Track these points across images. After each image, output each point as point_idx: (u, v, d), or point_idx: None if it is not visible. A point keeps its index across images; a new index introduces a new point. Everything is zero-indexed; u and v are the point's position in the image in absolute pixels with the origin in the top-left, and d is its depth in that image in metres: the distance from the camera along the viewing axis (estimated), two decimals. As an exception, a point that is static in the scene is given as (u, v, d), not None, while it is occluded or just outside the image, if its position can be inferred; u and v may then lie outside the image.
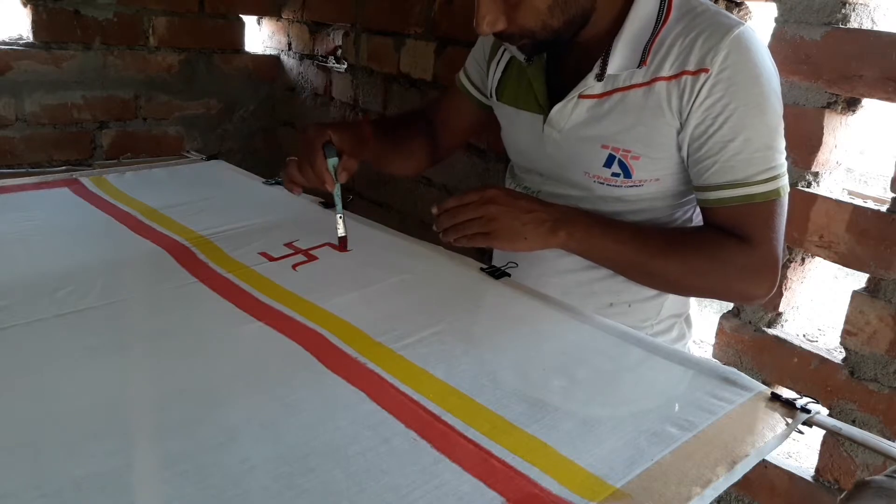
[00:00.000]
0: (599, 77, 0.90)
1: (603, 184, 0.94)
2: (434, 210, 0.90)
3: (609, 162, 0.92)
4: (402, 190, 1.93)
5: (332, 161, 0.97)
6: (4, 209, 1.11)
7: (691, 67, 0.85)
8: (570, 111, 0.94)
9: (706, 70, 0.84)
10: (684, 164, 0.91)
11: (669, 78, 0.87)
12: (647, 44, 0.88)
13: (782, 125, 0.89)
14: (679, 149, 0.89)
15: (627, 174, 0.92)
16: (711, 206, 0.89)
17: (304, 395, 0.64)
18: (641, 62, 0.88)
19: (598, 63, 0.90)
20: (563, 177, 0.98)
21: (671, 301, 1.00)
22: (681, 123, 0.87)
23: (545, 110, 0.96)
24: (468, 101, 1.17)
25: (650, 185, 0.93)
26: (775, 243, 0.88)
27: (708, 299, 1.00)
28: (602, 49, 0.90)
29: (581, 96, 0.92)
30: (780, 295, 1.11)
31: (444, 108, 1.23)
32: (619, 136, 0.91)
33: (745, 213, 0.87)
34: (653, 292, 0.98)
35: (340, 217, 0.97)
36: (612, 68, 0.89)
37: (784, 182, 0.87)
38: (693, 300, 1.06)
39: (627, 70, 0.89)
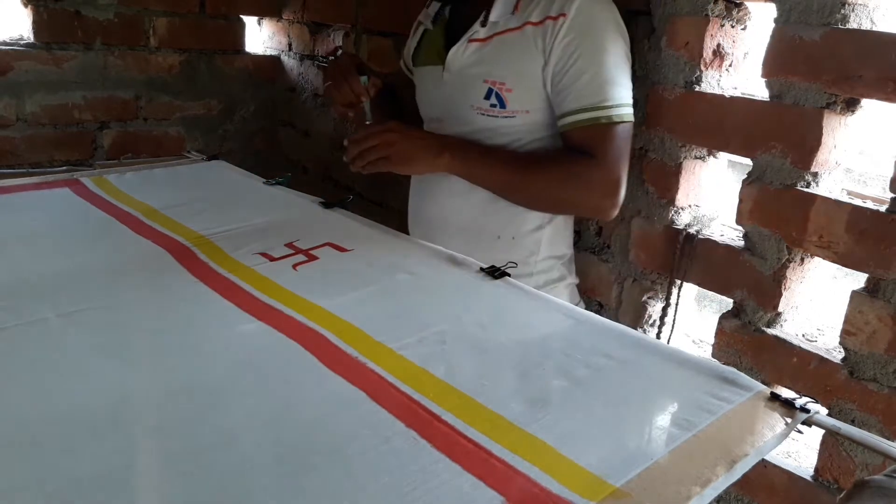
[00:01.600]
0: (483, 23, 1.12)
1: (484, 115, 1.12)
2: (345, 142, 1.08)
3: (488, 94, 1.11)
4: (403, 190, 1.93)
5: (363, 79, 1.16)
6: (5, 209, 1.11)
7: (553, 13, 1.06)
8: (462, 53, 1.15)
9: (564, 15, 1.05)
10: (549, 101, 1.10)
11: (537, 23, 1.07)
12: None
13: (626, 69, 1.09)
14: (545, 84, 1.09)
15: (502, 104, 1.11)
16: (567, 130, 1.09)
17: (305, 394, 0.64)
18: (514, 10, 1.10)
19: (484, 12, 1.12)
20: (455, 114, 1.17)
21: (548, 239, 1.18)
22: (545, 60, 1.07)
23: (444, 59, 1.17)
24: (410, 84, 1.34)
25: (522, 116, 1.11)
26: (618, 162, 1.08)
27: (573, 215, 1.24)
28: (487, 3, 1.12)
29: (470, 40, 1.14)
30: (779, 294, 1.11)
31: (400, 97, 1.40)
32: (496, 70, 1.11)
33: (592, 134, 1.06)
34: (531, 226, 1.17)
35: (368, 121, 1.16)
36: (493, 16, 1.11)
37: (625, 112, 1.07)
38: (570, 247, 1.25)
39: (503, 17, 1.11)
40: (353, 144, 1.07)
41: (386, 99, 1.34)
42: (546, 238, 1.18)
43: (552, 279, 1.20)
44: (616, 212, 1.10)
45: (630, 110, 1.08)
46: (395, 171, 1.09)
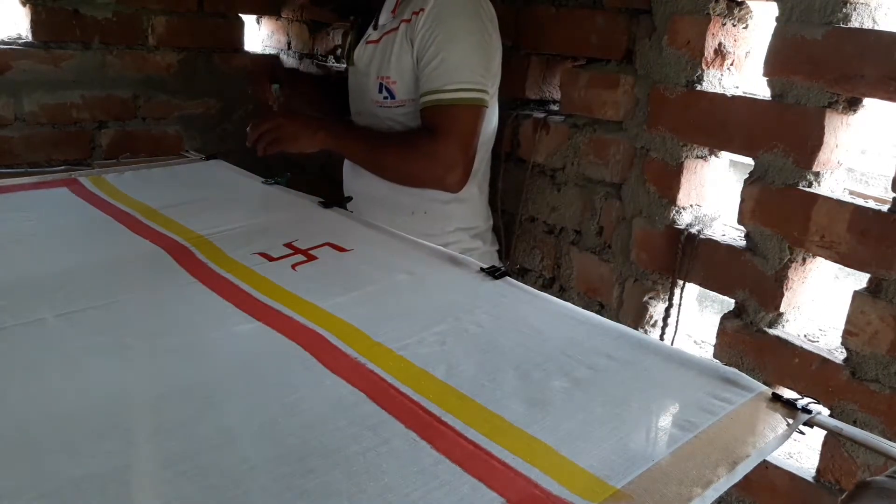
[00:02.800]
0: (375, 27, 1.30)
1: (381, 107, 1.31)
2: (248, 129, 1.27)
3: (381, 89, 1.29)
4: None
5: (275, 87, 1.40)
6: (3, 209, 1.11)
7: (416, 8, 1.21)
8: (363, 54, 1.32)
9: (423, 9, 1.20)
10: None
11: (407, 20, 1.23)
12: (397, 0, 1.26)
13: (482, 56, 1.23)
14: (415, 71, 1.24)
15: (392, 96, 1.29)
16: (420, 111, 1.24)
17: (304, 395, 0.63)
18: (392, 13, 1.26)
19: (375, 18, 1.30)
20: (363, 108, 1.37)
21: (459, 213, 1.35)
22: (412, 49, 1.22)
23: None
24: None
25: (410, 104, 1.28)
26: (460, 139, 1.21)
27: (423, 187, 1.32)
28: (379, 9, 1.29)
29: (367, 42, 1.32)
30: (781, 295, 1.10)
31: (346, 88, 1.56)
32: (383, 67, 1.28)
33: (434, 113, 1.22)
34: (439, 202, 1.32)
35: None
36: (381, 20, 1.29)
37: (470, 95, 1.21)
38: (483, 221, 1.41)
39: (388, 19, 1.27)
40: (251, 130, 1.27)
41: (331, 91, 1.57)
42: (456, 212, 1.35)
43: (465, 248, 1.34)
44: (462, 186, 1.25)
45: (477, 94, 1.21)
46: (287, 149, 1.26)
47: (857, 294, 1.01)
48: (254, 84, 1.45)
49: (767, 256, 1.11)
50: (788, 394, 0.64)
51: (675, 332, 1.29)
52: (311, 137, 1.26)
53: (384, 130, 1.32)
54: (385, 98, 1.29)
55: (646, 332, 1.32)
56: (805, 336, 1.13)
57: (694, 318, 1.37)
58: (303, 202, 1.17)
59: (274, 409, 0.61)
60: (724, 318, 1.19)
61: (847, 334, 1.02)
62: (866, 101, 1.03)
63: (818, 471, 1.09)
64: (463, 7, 1.21)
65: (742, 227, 1.16)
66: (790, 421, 0.60)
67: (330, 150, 1.29)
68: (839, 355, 1.05)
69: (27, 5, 1.84)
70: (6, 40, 1.85)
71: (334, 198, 1.16)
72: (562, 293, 1.48)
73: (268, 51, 2.39)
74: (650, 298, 1.31)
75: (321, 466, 0.54)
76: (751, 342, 1.15)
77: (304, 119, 1.28)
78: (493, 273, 0.88)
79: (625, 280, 1.35)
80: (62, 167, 1.47)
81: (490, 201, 1.45)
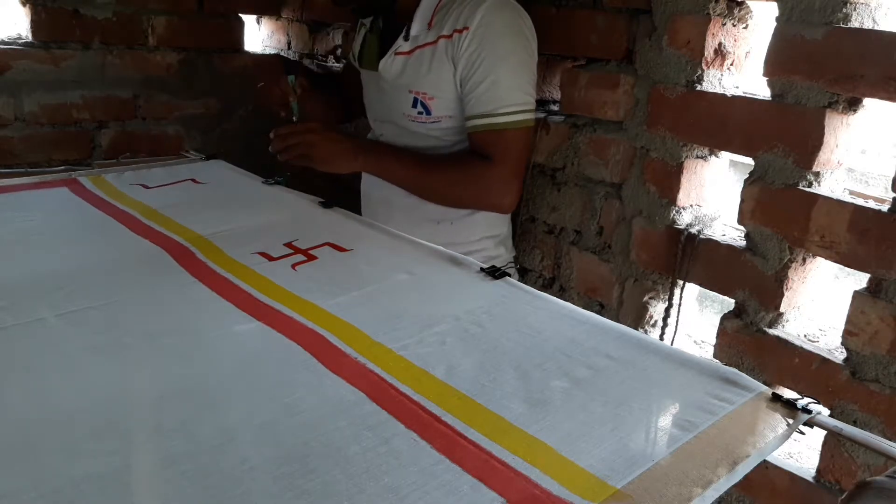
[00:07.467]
0: (406, 37, 1.23)
1: (414, 121, 1.26)
2: (271, 134, 1.18)
3: (415, 103, 1.24)
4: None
5: (290, 78, 1.26)
6: (3, 209, 1.11)
7: (459, 26, 1.16)
8: (391, 65, 1.26)
9: (468, 28, 1.15)
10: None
11: (447, 36, 1.18)
12: (433, 11, 1.20)
13: (529, 74, 1.21)
14: (457, 90, 1.20)
15: (428, 112, 1.24)
16: (469, 133, 1.21)
17: (304, 395, 0.63)
18: (428, 25, 1.21)
19: (406, 27, 1.23)
20: (390, 118, 1.31)
21: (482, 222, 1.30)
22: (455, 68, 1.18)
23: (377, 67, 1.28)
24: (356, 73, 1.45)
25: (446, 120, 1.24)
26: (513, 163, 1.20)
27: (478, 210, 1.30)
28: (410, 17, 1.22)
29: (396, 53, 1.25)
30: (781, 295, 1.10)
31: (343, 81, 1.57)
32: (418, 82, 1.23)
33: (488, 138, 1.19)
34: (466, 212, 1.29)
35: (296, 118, 1.27)
36: (413, 31, 1.22)
37: (522, 118, 1.19)
38: (506, 226, 1.37)
39: (422, 32, 1.21)
40: (277, 139, 1.18)
41: (327, 86, 1.53)
42: (482, 221, 1.30)
43: (489, 256, 1.31)
44: (514, 206, 1.25)
45: (527, 115, 1.20)
46: (318, 169, 1.19)
47: (857, 294, 1.01)
48: (266, 77, 1.33)
49: (767, 256, 1.11)
50: (788, 394, 0.64)
51: (675, 332, 1.29)
52: (349, 161, 1.21)
53: (425, 150, 1.27)
54: (420, 113, 1.24)
55: (646, 332, 1.32)
56: (805, 336, 1.13)
57: (694, 318, 1.37)
58: (303, 202, 1.17)
59: (274, 409, 0.61)
60: (724, 318, 1.19)
61: (847, 334, 1.02)
62: (866, 101, 1.03)
63: (818, 471, 1.09)
64: (508, 25, 1.17)
65: (742, 227, 1.16)
66: (790, 421, 0.60)
67: (369, 173, 1.25)
68: (839, 355, 1.05)
69: (27, 5, 1.84)
70: (6, 40, 1.85)
71: (334, 197, 1.16)
72: (562, 293, 1.48)
73: (268, 51, 2.39)
74: (650, 298, 1.31)
75: (321, 466, 0.54)
76: (751, 342, 1.15)
77: (339, 139, 1.21)
78: (493, 273, 0.88)
79: (625, 280, 1.35)
80: (62, 167, 1.47)
81: None
